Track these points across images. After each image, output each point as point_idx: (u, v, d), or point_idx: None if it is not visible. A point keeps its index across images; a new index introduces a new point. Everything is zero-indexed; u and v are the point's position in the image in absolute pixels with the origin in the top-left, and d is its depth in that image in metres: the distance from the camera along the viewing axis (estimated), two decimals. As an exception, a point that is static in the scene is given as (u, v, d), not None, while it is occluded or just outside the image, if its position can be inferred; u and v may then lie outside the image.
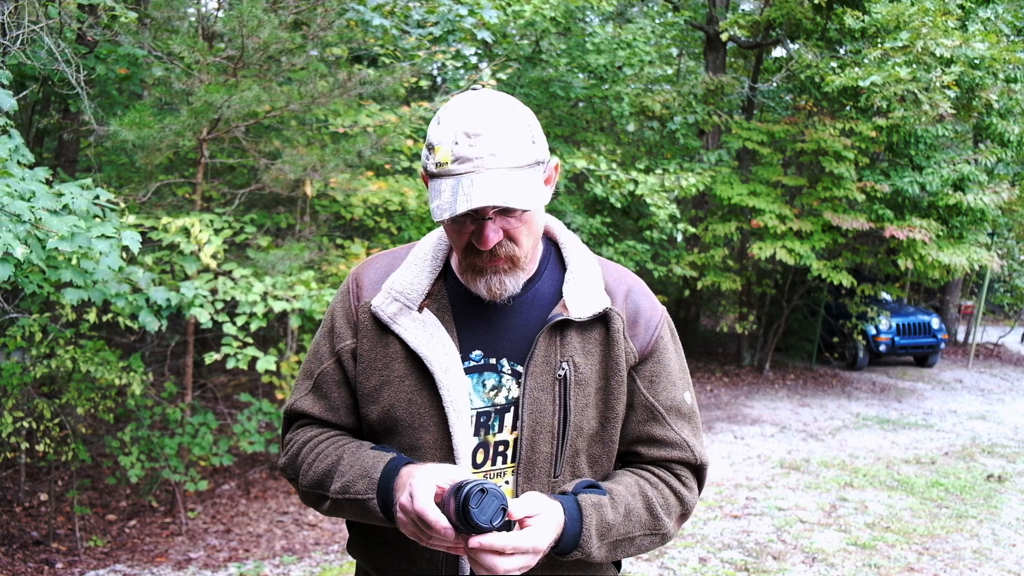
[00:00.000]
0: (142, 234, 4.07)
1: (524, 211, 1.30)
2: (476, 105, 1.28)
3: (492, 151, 1.25)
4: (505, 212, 1.29)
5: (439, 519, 1.18)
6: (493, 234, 1.29)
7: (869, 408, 9.47)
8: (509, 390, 1.37)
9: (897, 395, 10.37)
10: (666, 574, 4.43)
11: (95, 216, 3.41)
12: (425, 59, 6.19)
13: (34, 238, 3.05)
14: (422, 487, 1.21)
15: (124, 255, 3.92)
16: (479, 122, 1.26)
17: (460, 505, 1.16)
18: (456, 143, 1.25)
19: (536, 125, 1.34)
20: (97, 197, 3.41)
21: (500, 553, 1.18)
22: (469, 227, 1.30)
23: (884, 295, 12.38)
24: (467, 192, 1.23)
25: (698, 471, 1.47)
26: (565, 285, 1.40)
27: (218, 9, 6.32)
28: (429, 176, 1.31)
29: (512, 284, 1.34)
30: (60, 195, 3.25)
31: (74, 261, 3.42)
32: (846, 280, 9.50)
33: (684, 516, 1.45)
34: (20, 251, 2.89)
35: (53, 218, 3.11)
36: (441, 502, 1.20)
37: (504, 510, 1.17)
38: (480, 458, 1.37)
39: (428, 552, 1.35)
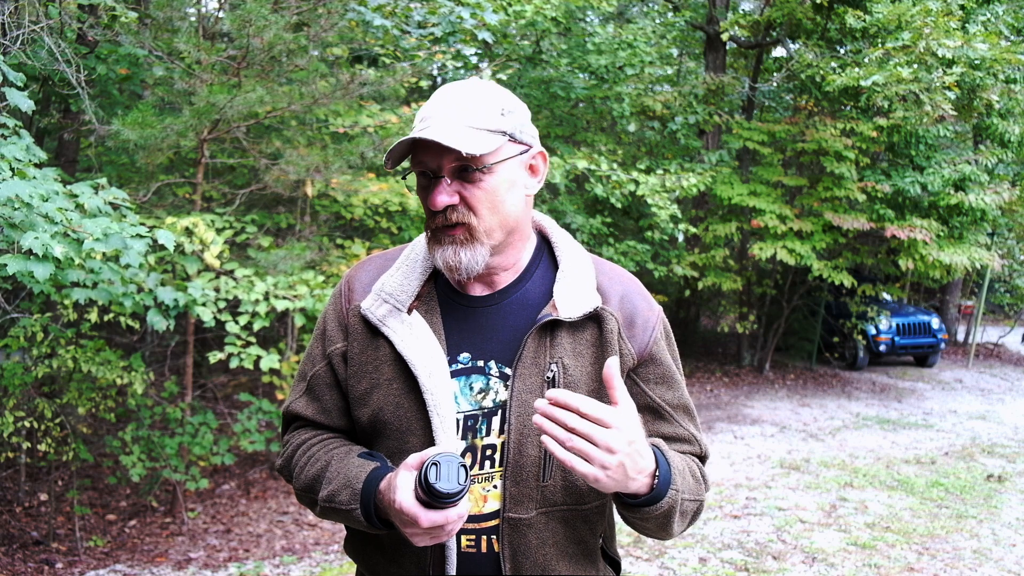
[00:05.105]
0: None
1: (484, 174, 1.29)
2: (452, 84, 1.34)
3: (452, 109, 1.28)
4: (463, 174, 1.29)
5: (420, 512, 1.17)
6: (444, 195, 1.28)
7: (869, 408, 9.47)
8: (497, 393, 1.36)
9: (897, 395, 10.37)
10: (666, 574, 4.43)
11: (107, 215, 3.43)
12: (425, 59, 6.19)
13: (68, 238, 3.07)
14: (400, 489, 1.20)
15: (149, 253, 3.95)
16: (448, 94, 1.31)
17: (424, 487, 1.15)
18: (424, 115, 1.30)
19: (513, 104, 1.34)
20: (120, 200, 3.43)
21: (567, 408, 1.14)
22: (428, 193, 1.31)
23: (884, 295, 12.39)
24: (415, 135, 1.26)
25: (704, 462, 1.49)
26: (556, 285, 1.38)
27: (219, 9, 6.32)
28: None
29: (468, 258, 1.31)
30: (74, 195, 3.26)
31: (76, 262, 3.42)
32: (847, 280, 9.50)
33: (703, 498, 1.43)
34: (59, 250, 2.92)
35: (86, 219, 3.14)
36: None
37: (465, 467, 1.17)
38: (467, 462, 1.35)
39: (416, 554, 1.35)
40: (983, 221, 9.82)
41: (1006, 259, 13.29)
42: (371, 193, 5.87)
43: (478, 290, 1.41)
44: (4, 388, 4.66)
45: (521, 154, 1.34)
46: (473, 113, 1.28)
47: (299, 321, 4.73)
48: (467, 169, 1.28)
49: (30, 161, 3.31)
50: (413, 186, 6.13)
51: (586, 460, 1.15)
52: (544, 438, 1.15)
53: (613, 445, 1.15)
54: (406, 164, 1.36)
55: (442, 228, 1.31)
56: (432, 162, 1.29)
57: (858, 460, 7.03)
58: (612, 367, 1.19)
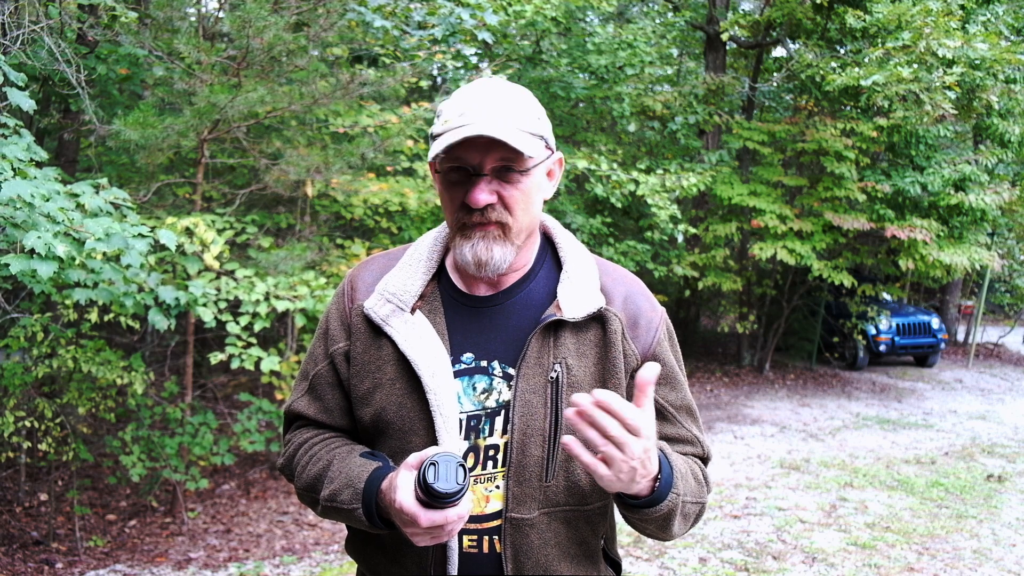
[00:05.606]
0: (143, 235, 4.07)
1: (522, 175, 1.29)
2: (486, 82, 1.33)
3: (496, 109, 1.27)
4: (502, 174, 1.28)
5: (420, 512, 1.17)
6: (485, 193, 1.27)
7: (869, 408, 9.47)
8: (500, 393, 1.35)
9: (897, 395, 10.38)
10: (666, 574, 4.43)
11: (108, 214, 3.43)
12: (426, 59, 6.19)
13: (70, 238, 3.08)
14: (400, 489, 1.19)
15: (149, 253, 3.95)
16: (487, 92, 1.30)
17: (423, 487, 1.15)
18: (463, 110, 1.28)
19: (542, 111, 1.36)
20: (121, 199, 3.43)
21: (612, 414, 1.13)
22: (463, 190, 1.30)
23: (884, 295, 12.39)
24: (468, 129, 1.24)
25: (706, 463, 1.49)
26: (560, 285, 1.38)
27: (218, 9, 6.32)
28: (434, 138, 1.31)
29: (500, 255, 1.31)
30: (76, 195, 3.27)
31: (77, 262, 3.43)
32: (847, 280, 9.51)
33: (705, 500, 1.44)
34: (62, 249, 2.92)
35: (87, 219, 3.14)
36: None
37: (463, 467, 1.16)
38: (470, 462, 1.35)
39: (417, 554, 1.35)
40: (983, 221, 9.82)
41: (1006, 259, 13.29)
42: (371, 193, 5.87)
43: (482, 290, 1.41)
44: (4, 388, 4.66)
45: (547, 159, 1.36)
46: (518, 115, 1.28)
47: (299, 321, 4.73)
48: (508, 169, 1.28)
49: (31, 160, 3.31)
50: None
51: (607, 465, 1.15)
52: (568, 438, 1.16)
53: (635, 452, 1.15)
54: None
55: (475, 225, 1.31)
56: (474, 159, 1.28)
57: (858, 460, 7.03)
58: (650, 373, 1.16)
